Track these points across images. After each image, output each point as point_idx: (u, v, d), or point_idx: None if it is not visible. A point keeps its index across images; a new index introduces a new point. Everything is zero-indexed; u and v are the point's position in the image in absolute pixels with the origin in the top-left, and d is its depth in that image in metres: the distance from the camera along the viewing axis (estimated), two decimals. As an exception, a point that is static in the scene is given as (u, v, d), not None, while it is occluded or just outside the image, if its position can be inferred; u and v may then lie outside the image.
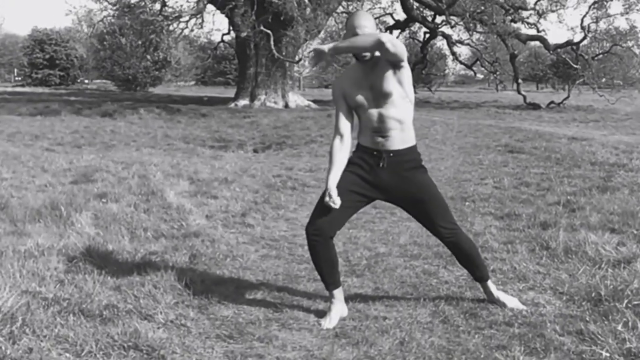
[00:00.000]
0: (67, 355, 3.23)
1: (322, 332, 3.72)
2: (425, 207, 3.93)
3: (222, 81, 63.69)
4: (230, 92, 34.03)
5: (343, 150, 3.89)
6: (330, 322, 3.85)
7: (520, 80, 29.03)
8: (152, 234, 5.81)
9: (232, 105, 26.05)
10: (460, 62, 34.04)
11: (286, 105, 25.87)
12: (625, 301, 3.88)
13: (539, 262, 4.92)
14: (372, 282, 4.64)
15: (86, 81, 63.55)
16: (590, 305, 3.96)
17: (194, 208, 6.91)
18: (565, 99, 28.64)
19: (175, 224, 6.25)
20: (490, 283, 4.11)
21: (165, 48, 53.57)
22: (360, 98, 3.80)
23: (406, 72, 3.80)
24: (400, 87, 3.78)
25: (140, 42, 38.15)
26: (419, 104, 26.64)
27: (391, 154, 3.81)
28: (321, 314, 3.97)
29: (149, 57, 50.43)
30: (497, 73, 32.61)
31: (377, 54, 3.73)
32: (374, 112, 3.80)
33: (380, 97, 3.77)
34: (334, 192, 3.74)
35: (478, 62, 32.90)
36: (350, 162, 3.90)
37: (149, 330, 3.53)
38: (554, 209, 6.63)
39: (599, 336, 3.47)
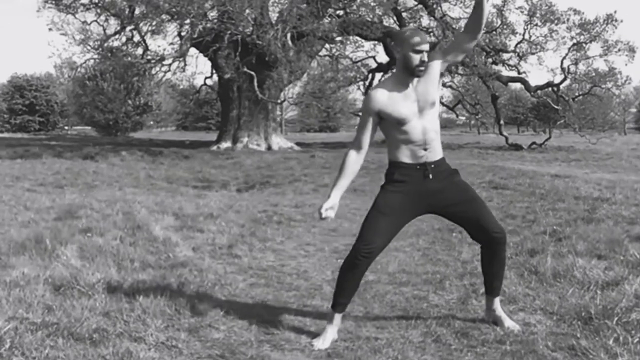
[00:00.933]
0: (58, 376, 3.18)
1: (314, 353, 3.71)
2: (474, 207, 3.95)
3: (203, 126, 63.89)
4: (212, 137, 34.12)
5: (357, 164, 3.88)
6: (323, 343, 3.83)
7: (502, 122, 29.40)
8: (139, 265, 5.76)
9: (215, 147, 26.08)
10: (443, 104, 34.47)
11: (269, 148, 25.95)
12: (615, 319, 3.91)
13: (528, 285, 4.94)
14: (362, 307, 4.62)
15: (66, 127, 63.33)
16: (580, 324, 3.98)
17: (180, 241, 6.88)
18: (546, 139, 29.03)
19: (162, 255, 6.21)
20: (498, 300, 4.15)
21: (146, 93, 53.99)
22: (406, 111, 3.78)
23: None
24: (437, 97, 3.88)
25: (122, 87, 38.35)
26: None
27: (433, 165, 3.86)
28: (313, 335, 3.95)
29: (130, 101, 50.70)
30: (479, 115, 33.03)
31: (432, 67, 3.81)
32: (418, 124, 3.82)
33: (426, 109, 3.81)
34: (333, 206, 3.73)
35: (460, 105, 33.36)
36: (393, 181, 3.87)
37: (140, 351, 3.50)
38: (540, 238, 6.68)
39: (591, 351, 3.49)
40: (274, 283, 5.35)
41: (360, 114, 3.91)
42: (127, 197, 11.02)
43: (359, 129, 3.87)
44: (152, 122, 63.87)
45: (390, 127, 3.82)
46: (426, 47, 3.72)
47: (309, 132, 60.86)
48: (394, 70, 3.94)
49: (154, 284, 5.06)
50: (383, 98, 3.78)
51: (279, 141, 26.86)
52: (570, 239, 6.52)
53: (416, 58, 3.69)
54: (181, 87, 31.89)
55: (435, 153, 3.86)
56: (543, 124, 56.79)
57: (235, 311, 4.46)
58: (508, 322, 4.05)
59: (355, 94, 71.81)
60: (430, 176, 3.84)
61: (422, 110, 3.80)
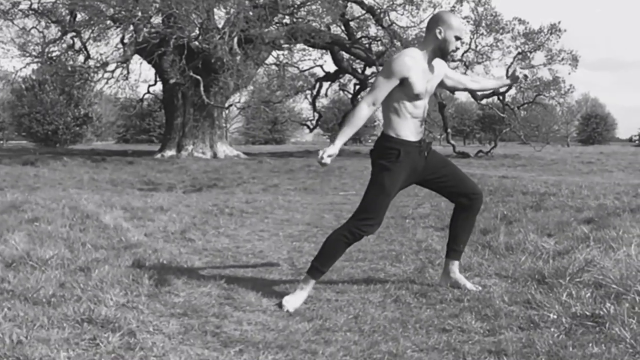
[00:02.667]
0: (18, 330, 3.11)
1: (276, 313, 3.72)
2: (453, 174, 4.18)
3: (145, 139, 62.97)
4: (155, 148, 33.60)
5: (365, 119, 3.89)
6: (294, 303, 3.83)
7: (449, 130, 29.93)
8: (91, 247, 5.66)
9: (159, 156, 25.74)
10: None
11: (215, 156, 25.75)
12: (568, 278, 4.04)
13: (483, 257, 5.06)
14: (321, 279, 4.64)
15: (0, 141, 61.54)
16: (535, 283, 4.10)
17: (131, 228, 6.79)
18: (492, 147, 29.69)
19: (114, 239, 6.12)
20: (457, 263, 4.30)
21: (87, 104, 53.01)
22: (422, 87, 3.90)
23: None
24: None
25: (61, 97, 37.59)
26: (350, 154, 27.03)
27: (426, 142, 4.06)
28: (273, 301, 3.95)
29: (69, 113, 49.68)
30: (426, 123, 33.50)
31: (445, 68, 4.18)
32: (422, 103, 3.98)
33: (429, 93, 4.02)
34: (334, 154, 3.74)
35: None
36: (398, 160, 3.90)
37: (101, 309, 3.45)
38: (492, 221, 6.83)
39: (546, 304, 3.60)
40: (230, 261, 5.35)
41: (381, 75, 3.91)
42: (72, 196, 10.80)
43: (378, 89, 3.85)
44: (91, 135, 62.52)
45: (404, 98, 3.89)
46: (465, 38, 3.97)
47: (254, 144, 60.65)
48: (421, 46, 3.98)
49: (108, 260, 4.99)
50: (413, 67, 3.85)
51: (224, 149, 26.69)
52: (520, 222, 6.69)
53: (455, 44, 3.90)
54: (124, 95, 31.40)
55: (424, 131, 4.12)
56: (488, 135, 58.07)
57: (194, 281, 4.43)
58: (468, 285, 4.15)
59: (303, 103, 72.13)
60: (428, 153, 4.05)
61: (427, 92, 3.98)
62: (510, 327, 3.30)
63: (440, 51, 3.90)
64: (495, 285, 4.16)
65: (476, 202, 4.20)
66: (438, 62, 4.04)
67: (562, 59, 27.47)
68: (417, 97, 3.89)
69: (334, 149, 3.74)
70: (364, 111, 3.83)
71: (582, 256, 4.61)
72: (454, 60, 27.72)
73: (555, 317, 3.39)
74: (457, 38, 3.88)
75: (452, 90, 4.53)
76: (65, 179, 15.63)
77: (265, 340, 3.14)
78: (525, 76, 4.37)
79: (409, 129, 3.93)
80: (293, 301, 3.84)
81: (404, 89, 3.85)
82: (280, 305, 3.80)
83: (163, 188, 14.77)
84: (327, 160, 3.71)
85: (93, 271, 4.46)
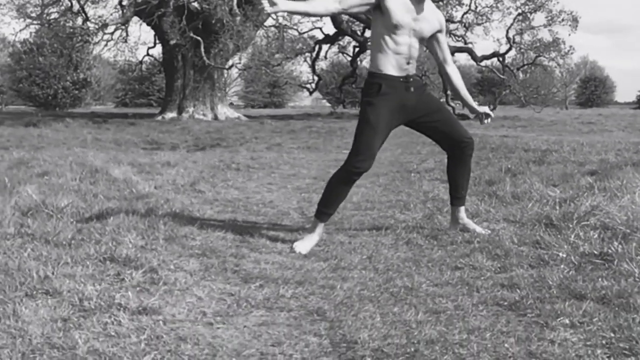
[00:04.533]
0: (44, 267, 3.20)
1: (292, 255, 3.81)
2: (444, 117, 4.23)
3: (144, 102, 62.64)
4: (154, 112, 33.51)
5: (320, 8, 3.90)
6: (304, 247, 3.91)
7: (448, 92, 29.85)
8: (103, 197, 5.75)
9: (159, 118, 25.72)
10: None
11: (215, 118, 25.73)
12: (575, 221, 4.13)
13: (489, 205, 5.14)
14: (331, 225, 4.73)
15: (0, 105, 61.23)
16: (543, 226, 4.19)
17: (141, 180, 6.87)
18: (492, 109, 29.59)
19: (125, 191, 6.20)
20: (463, 209, 4.35)
21: (85, 67, 52.74)
22: (402, 19, 3.90)
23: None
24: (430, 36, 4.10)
25: (60, 60, 37.36)
26: (350, 117, 27.01)
27: (412, 79, 4.06)
28: (288, 244, 4.04)
29: (68, 77, 49.48)
30: (426, 86, 33.48)
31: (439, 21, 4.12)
32: (406, 39, 3.96)
33: (417, 35, 3.99)
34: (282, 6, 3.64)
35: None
36: (380, 94, 3.95)
37: (122, 249, 3.55)
38: (497, 174, 6.90)
39: (554, 244, 3.69)
40: (241, 210, 5.42)
41: None
42: (78, 153, 10.87)
43: None
44: (90, 99, 62.26)
45: (385, 32, 3.92)
46: None
47: (253, 107, 60.49)
48: None
49: (122, 209, 5.07)
50: None
51: (225, 111, 26.69)
52: (525, 174, 6.77)
53: None
54: (123, 58, 31.28)
55: (414, 68, 4.09)
56: (487, 98, 57.88)
57: (208, 227, 4.52)
58: (477, 229, 4.23)
59: (302, 66, 71.46)
60: (412, 89, 4.03)
61: (414, 32, 3.97)
62: (521, 265, 3.40)
63: None
64: (504, 229, 4.25)
65: (467, 149, 4.22)
66: (434, 12, 4.04)
67: (562, 20, 27.28)
68: (395, 28, 3.89)
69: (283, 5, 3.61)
70: None
71: (588, 202, 4.70)
72: (453, 22, 27.61)
73: (564, 255, 3.49)
74: None
75: (431, 52, 4.37)
76: (69, 139, 15.66)
77: (284, 277, 3.23)
78: (488, 115, 4.33)
79: (390, 64, 3.96)
80: (304, 245, 3.93)
81: (384, 19, 3.90)
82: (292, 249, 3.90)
83: (166, 147, 14.81)
84: (269, 10, 3.60)
85: (109, 218, 4.55)
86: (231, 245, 3.92)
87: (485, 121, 4.33)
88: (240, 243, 4.03)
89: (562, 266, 3.32)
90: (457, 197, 4.35)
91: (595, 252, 3.49)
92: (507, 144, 11.44)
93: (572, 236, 3.82)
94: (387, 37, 3.93)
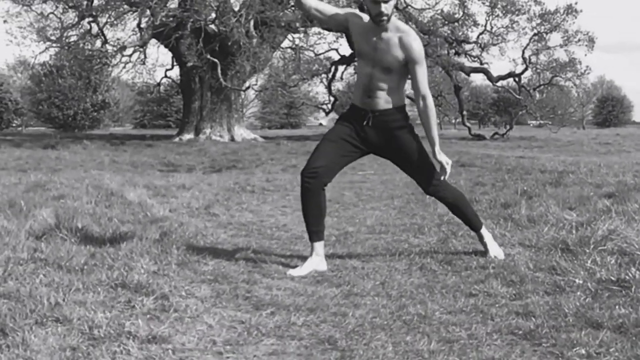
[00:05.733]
0: (55, 294, 3.19)
1: (304, 280, 3.78)
2: (407, 163, 4.18)
3: (162, 124, 63.16)
4: (172, 133, 33.73)
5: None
6: (300, 270, 3.91)
7: (465, 112, 29.83)
8: (117, 221, 5.75)
9: (177, 139, 25.89)
10: (407, 97, 34.66)
11: (232, 139, 25.84)
12: (592, 246, 4.07)
13: (505, 229, 5.09)
14: (345, 249, 4.71)
15: (19, 127, 61.90)
16: (559, 252, 4.13)
17: (156, 204, 6.88)
18: (508, 130, 29.58)
19: (139, 215, 6.21)
20: (483, 232, 4.30)
21: (104, 89, 53.31)
22: (362, 47, 3.97)
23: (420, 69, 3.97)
24: (401, 67, 3.94)
25: (79, 83, 37.83)
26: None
27: (377, 114, 4.01)
28: (300, 269, 4.02)
29: (87, 99, 49.98)
30: (442, 106, 33.45)
31: (391, 22, 3.90)
32: (367, 68, 3.98)
33: (378, 65, 3.94)
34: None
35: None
36: (342, 116, 4.16)
37: (134, 275, 3.53)
38: (512, 196, 6.84)
39: (571, 270, 3.64)
40: (255, 234, 5.41)
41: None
42: (95, 176, 10.93)
43: (331, 5, 4.20)
44: (109, 121, 62.87)
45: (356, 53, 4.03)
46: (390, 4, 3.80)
47: (270, 128, 60.72)
48: None
49: (136, 233, 5.07)
50: (355, 20, 3.99)
51: (242, 132, 26.80)
52: (540, 197, 6.71)
53: (374, 8, 3.83)
54: (141, 80, 31.54)
55: (380, 102, 4.00)
56: (504, 119, 57.70)
57: (221, 252, 4.51)
58: (496, 252, 4.17)
59: (318, 87, 71.83)
60: (368, 123, 4.02)
61: (374, 61, 3.94)
62: (537, 292, 3.34)
63: (370, 17, 3.89)
64: (519, 254, 4.20)
65: (435, 195, 4.26)
66: (402, 44, 3.87)
67: (579, 40, 27.26)
68: (358, 56, 4.01)
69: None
70: None
71: (605, 226, 4.63)
72: (469, 42, 27.61)
73: (580, 282, 3.43)
74: (374, 1, 3.78)
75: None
76: (86, 161, 15.77)
77: (295, 304, 3.20)
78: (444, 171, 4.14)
79: (356, 92, 4.11)
80: (298, 270, 3.92)
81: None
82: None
83: (183, 169, 14.87)
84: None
85: (122, 243, 4.55)
86: (243, 271, 3.90)
87: (442, 176, 4.12)
88: (252, 268, 4.01)
89: (578, 293, 3.27)
90: (470, 226, 4.37)
91: (613, 279, 3.43)
92: (523, 165, 11.38)
93: (589, 262, 3.76)
94: (358, 66, 4.05)
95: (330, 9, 4.13)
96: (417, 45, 3.88)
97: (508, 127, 30.64)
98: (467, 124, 29.39)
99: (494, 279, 3.62)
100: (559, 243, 4.31)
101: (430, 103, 3.98)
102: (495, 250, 4.19)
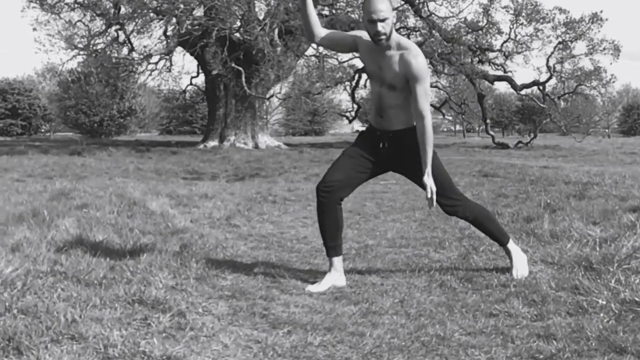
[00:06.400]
0: (72, 310, 3.20)
1: (322, 297, 3.75)
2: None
3: (187, 130, 63.59)
4: (198, 139, 33.96)
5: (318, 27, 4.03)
6: (318, 287, 3.89)
7: (488, 120, 29.62)
8: (138, 232, 5.77)
9: (202, 146, 26.04)
10: (430, 104, 34.53)
11: (256, 146, 25.94)
12: (616, 265, 3.99)
13: (527, 244, 5.02)
14: (365, 264, 4.68)
15: (48, 133, 62.72)
16: (582, 270, 4.06)
17: (177, 214, 6.91)
18: (532, 138, 29.29)
19: (161, 225, 6.22)
20: (511, 245, 4.24)
21: (131, 96, 53.84)
22: (369, 66, 3.99)
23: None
24: (406, 84, 3.89)
25: (106, 89, 38.21)
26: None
27: (391, 135, 3.98)
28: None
29: (114, 105, 50.51)
30: (465, 114, 33.33)
31: (393, 38, 3.85)
32: (376, 87, 4.01)
33: (385, 83, 3.94)
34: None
35: (446, 104, 33.55)
36: (361, 134, 4.19)
37: (151, 291, 3.53)
38: (535, 209, 6.75)
39: (594, 290, 3.56)
40: (275, 247, 5.40)
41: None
42: (119, 184, 11.00)
43: (338, 30, 4.18)
44: (135, 127, 63.50)
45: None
46: (380, 16, 3.73)
47: (294, 135, 60.82)
48: None
49: (156, 245, 5.08)
50: (361, 41, 3.97)
51: (266, 140, 26.88)
52: (564, 210, 6.61)
53: (370, 28, 3.81)
54: (166, 87, 31.81)
55: (393, 123, 3.98)
56: (528, 127, 57.19)
57: (240, 266, 4.50)
58: (516, 269, 4.11)
59: (342, 95, 71.86)
60: (384, 145, 4.01)
61: (381, 79, 3.94)
62: (559, 313, 3.28)
63: (368, 31, 3.87)
64: (541, 272, 4.13)
65: (448, 211, 4.19)
66: (404, 61, 3.83)
67: (604, 49, 26.97)
68: (368, 76, 4.08)
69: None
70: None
71: (629, 243, 4.55)
72: (493, 51, 27.43)
73: (604, 302, 3.36)
74: (370, 21, 3.76)
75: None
76: (112, 168, 15.91)
77: (312, 322, 3.17)
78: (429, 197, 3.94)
79: (371, 112, 4.15)
80: (316, 286, 3.90)
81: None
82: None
83: (207, 177, 14.94)
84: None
85: (142, 255, 4.55)
86: (261, 286, 3.88)
87: (429, 206, 3.97)
88: (271, 283, 3.99)
89: (601, 314, 3.20)
90: (496, 242, 4.33)
91: (637, 299, 3.35)
92: (547, 176, 11.24)
93: (613, 281, 3.68)
94: (370, 86, 4.11)
95: (338, 36, 4.15)
96: (417, 62, 3.80)
97: (532, 135, 30.30)
98: (491, 133, 29.16)
99: (515, 298, 3.56)
100: (582, 260, 4.23)
101: (427, 124, 3.85)
102: (521, 268, 4.11)
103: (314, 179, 12.61)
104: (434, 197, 3.90)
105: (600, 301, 3.38)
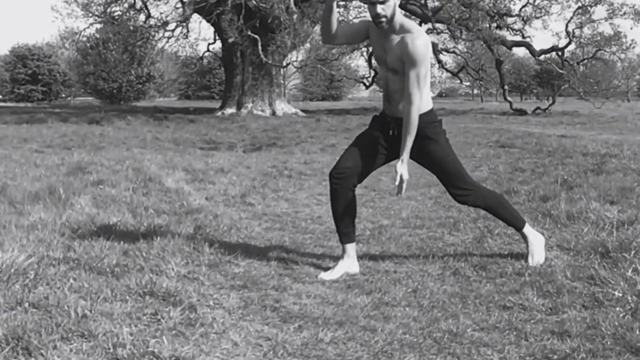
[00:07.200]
0: (83, 302, 3.21)
1: (335, 285, 3.73)
2: (434, 171, 4.08)
3: (206, 95, 63.46)
4: (215, 105, 33.92)
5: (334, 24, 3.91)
6: (331, 274, 3.88)
7: (506, 87, 29.22)
8: (153, 212, 5.77)
9: (219, 113, 26.00)
10: (447, 70, 34.30)
11: (273, 113, 25.87)
12: (633, 252, 3.93)
13: (543, 226, 4.96)
14: (378, 247, 4.65)
15: (68, 98, 62.96)
16: (598, 257, 4.00)
17: (193, 191, 6.91)
18: (550, 104, 28.84)
19: (176, 204, 6.22)
20: (527, 230, 4.13)
21: (149, 62, 53.74)
22: (377, 51, 3.94)
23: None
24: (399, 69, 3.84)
25: (124, 55, 38.15)
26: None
27: (399, 122, 3.88)
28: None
29: (132, 71, 50.47)
30: (483, 80, 32.94)
31: (396, 20, 3.75)
32: (383, 72, 3.98)
33: (389, 66, 3.86)
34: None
35: (463, 70, 33.14)
36: (374, 119, 4.10)
37: (163, 281, 3.52)
38: (552, 186, 6.67)
39: (610, 280, 3.51)
40: (289, 227, 5.38)
41: None
42: (136, 156, 11.02)
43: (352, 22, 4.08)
44: (154, 92, 63.54)
45: None
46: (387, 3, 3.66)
47: (312, 100, 60.53)
48: None
49: (170, 227, 5.08)
50: (371, 27, 3.86)
51: (283, 107, 26.77)
52: (581, 187, 6.53)
53: (371, 9, 3.72)
54: (184, 54, 31.73)
55: (398, 110, 3.88)
56: (546, 91, 56.41)
57: (253, 250, 4.49)
58: (532, 256, 4.05)
59: (359, 60, 71.17)
60: (394, 133, 3.92)
61: (386, 64, 3.88)
62: (574, 306, 3.23)
63: (371, 14, 3.76)
64: (557, 258, 4.07)
65: (459, 200, 4.07)
66: (403, 43, 3.72)
67: (624, 14, 26.35)
68: (376, 60, 4.03)
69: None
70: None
71: (648, 227, 4.48)
72: (511, 16, 26.90)
73: (620, 295, 3.31)
74: (371, 3, 3.68)
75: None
76: (130, 138, 15.92)
77: (324, 316, 3.15)
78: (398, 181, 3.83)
79: (383, 99, 4.08)
80: (329, 274, 3.89)
81: None
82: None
83: (224, 147, 14.91)
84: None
85: (155, 239, 4.55)
86: (274, 274, 3.87)
87: (397, 193, 3.90)
88: (283, 270, 3.98)
89: (617, 308, 3.14)
90: (507, 225, 4.26)
91: (654, 291, 3.29)
92: (565, 147, 11.09)
93: (630, 271, 3.62)
94: (379, 71, 4.00)
95: (351, 29, 4.14)
96: (413, 45, 3.68)
97: (551, 101, 29.87)
98: (509, 99, 28.77)
99: (530, 288, 3.51)
100: (599, 246, 4.16)
101: (412, 110, 3.73)
102: (537, 254, 4.04)
103: (331, 150, 12.56)
104: (403, 185, 3.82)
105: (616, 293, 3.33)
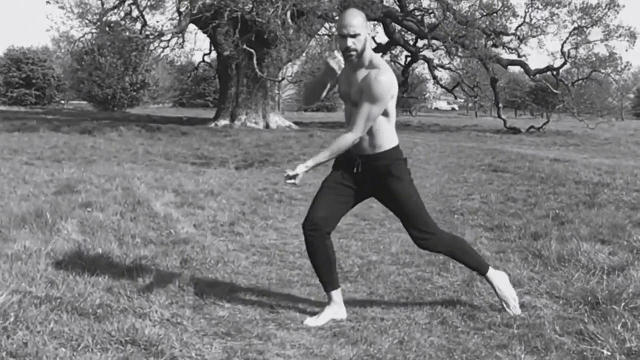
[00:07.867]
0: (64, 350, 3.15)
1: (320, 332, 3.68)
2: (397, 214, 4.01)
3: (200, 103, 63.48)
4: (210, 114, 33.94)
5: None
6: (317, 320, 3.82)
7: (501, 105, 29.27)
8: (140, 241, 5.72)
9: (213, 125, 25.96)
10: (442, 86, 34.34)
11: (267, 126, 25.85)
12: (623, 304, 3.89)
13: (533, 269, 4.93)
14: (366, 288, 4.61)
15: (62, 102, 62.79)
16: (587, 309, 3.96)
17: (181, 217, 6.84)
18: (545, 124, 28.89)
19: (164, 232, 6.17)
20: (491, 273, 4.04)
21: (144, 69, 53.63)
22: (343, 88, 3.89)
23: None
24: None
25: (119, 62, 38.06)
26: (400, 127, 26.75)
27: (364, 159, 3.83)
28: (317, 315, 3.92)
29: (127, 78, 50.38)
30: (477, 98, 33.01)
31: (366, 56, 3.72)
32: (348, 108, 3.89)
33: (353, 99, 3.80)
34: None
35: (458, 87, 33.23)
36: (337, 160, 3.93)
37: (145, 327, 3.47)
38: (543, 222, 6.65)
39: (599, 336, 3.47)
40: (277, 262, 5.33)
41: None
42: (126, 173, 10.94)
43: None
44: (148, 99, 63.43)
45: None
46: (351, 31, 3.61)
47: (306, 112, 60.54)
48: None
49: (156, 260, 5.02)
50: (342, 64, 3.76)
51: (277, 120, 26.75)
52: (573, 224, 6.50)
53: (341, 43, 3.68)
54: (179, 63, 31.66)
55: (364, 147, 3.81)
56: (541, 108, 56.59)
57: (239, 289, 4.44)
58: (507, 308, 4.00)
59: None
60: (358, 170, 3.85)
61: (351, 100, 3.81)
62: (561, 365, 3.19)
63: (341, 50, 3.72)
64: (546, 308, 4.03)
65: (419, 244, 4.01)
66: (367, 78, 3.69)
67: (620, 36, 26.50)
68: (340, 97, 3.97)
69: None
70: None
71: (638, 274, 4.45)
72: (507, 34, 26.99)
73: (609, 354, 3.26)
74: (341, 36, 3.65)
75: None
76: (121, 152, 15.84)
77: (307, 372, 3.10)
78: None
79: None
80: (315, 320, 3.83)
81: None
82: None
83: (216, 163, 14.84)
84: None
85: (141, 274, 4.50)
86: (259, 320, 3.81)
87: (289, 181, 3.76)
88: (269, 315, 3.92)
89: (605, 369, 3.10)
90: (476, 272, 4.22)
91: (643, 351, 3.25)
92: (557, 173, 11.08)
93: (619, 325, 3.58)
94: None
95: (321, 80, 3.92)
96: (377, 80, 3.64)
97: (545, 120, 29.90)
98: (503, 117, 28.82)
99: (518, 343, 3.47)
100: (589, 295, 4.13)
101: (348, 138, 3.70)
102: (508, 295, 3.99)
103: (323, 170, 12.51)
104: (290, 182, 3.72)
105: (605, 352, 3.29)
